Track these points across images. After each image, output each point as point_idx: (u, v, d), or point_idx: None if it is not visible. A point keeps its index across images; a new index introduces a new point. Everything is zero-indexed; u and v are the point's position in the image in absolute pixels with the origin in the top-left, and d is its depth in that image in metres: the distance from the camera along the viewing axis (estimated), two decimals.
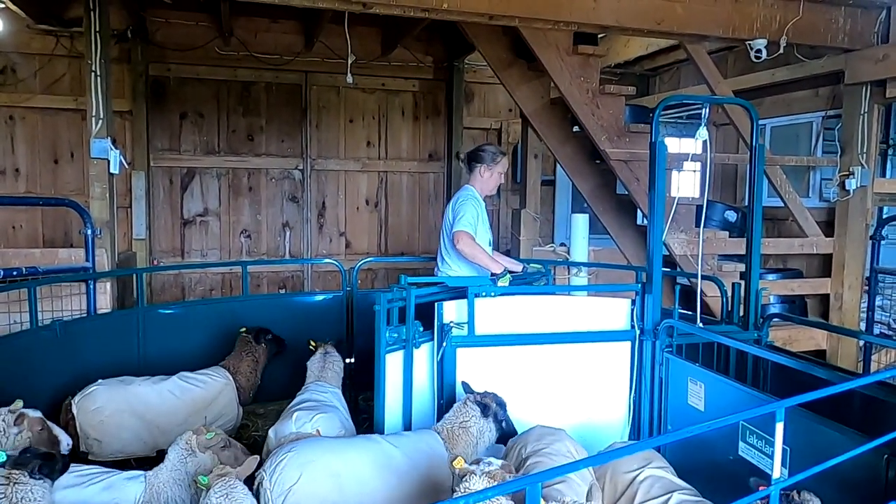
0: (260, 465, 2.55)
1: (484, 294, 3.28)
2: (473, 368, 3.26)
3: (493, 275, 3.79)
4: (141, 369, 4.05)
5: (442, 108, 7.77)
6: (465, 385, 3.06)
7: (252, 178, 7.26)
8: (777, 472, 1.62)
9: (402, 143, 7.69)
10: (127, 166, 5.84)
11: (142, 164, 6.74)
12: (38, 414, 2.86)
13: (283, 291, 7.27)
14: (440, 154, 7.81)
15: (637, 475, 2.47)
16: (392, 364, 3.22)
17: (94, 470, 2.69)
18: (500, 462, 2.04)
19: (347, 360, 4.97)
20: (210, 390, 3.72)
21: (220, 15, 6.32)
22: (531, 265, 4.32)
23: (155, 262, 6.89)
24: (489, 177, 4.06)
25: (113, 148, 4.57)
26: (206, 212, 7.15)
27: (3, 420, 2.78)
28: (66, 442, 2.89)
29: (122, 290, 5.18)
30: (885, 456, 2.00)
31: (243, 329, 4.16)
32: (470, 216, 3.85)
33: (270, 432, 3.01)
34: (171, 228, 7.06)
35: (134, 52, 6.62)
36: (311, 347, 3.91)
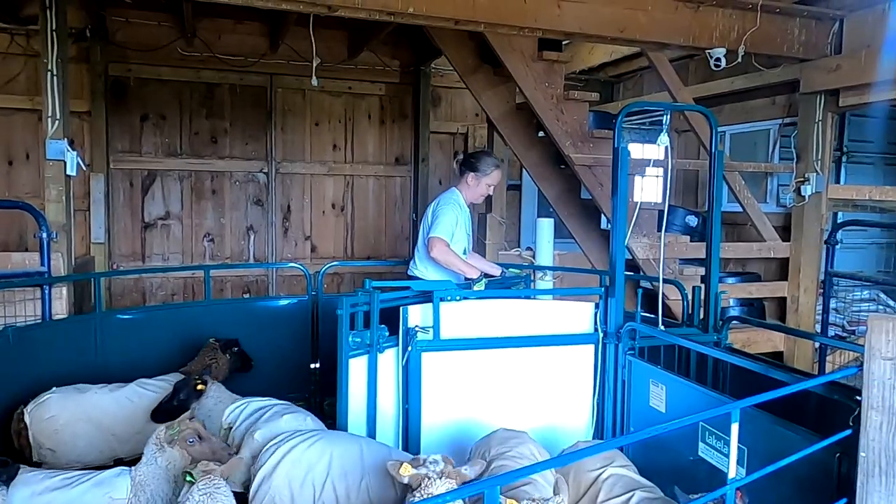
0: None
1: (449, 298, 3.28)
2: (439, 373, 3.27)
3: (467, 279, 3.79)
4: (99, 377, 3.94)
5: (409, 112, 7.77)
6: None
7: (215, 180, 7.14)
8: (733, 471, 1.65)
9: (368, 146, 7.66)
10: (85, 168, 5.69)
11: (101, 166, 6.58)
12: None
13: (247, 296, 7.17)
14: (407, 158, 7.81)
15: (600, 474, 2.50)
16: (356, 369, 3.20)
17: (74, 473, 2.72)
18: (440, 456, 2.07)
19: (312, 365, 4.97)
20: None
21: (182, 15, 6.22)
22: (511, 269, 4.34)
23: (114, 267, 6.74)
24: (475, 185, 4.05)
25: (70, 149, 4.45)
26: (168, 215, 7.01)
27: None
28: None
29: (80, 296, 5.05)
30: (837, 454, 2.05)
31: (213, 339, 4.10)
32: (447, 222, 3.84)
33: (257, 435, 2.94)
34: (131, 232, 6.90)
35: (93, 52, 6.46)
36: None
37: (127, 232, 6.89)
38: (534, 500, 1.97)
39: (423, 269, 4.04)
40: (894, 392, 1.73)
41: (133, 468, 2.74)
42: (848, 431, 1.93)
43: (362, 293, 3.20)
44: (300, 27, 5.96)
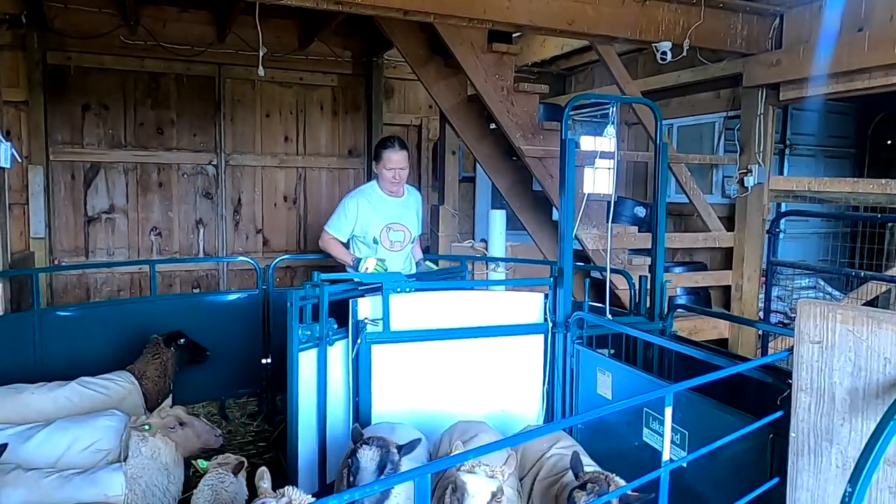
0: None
1: (399, 290, 3.27)
2: (389, 365, 3.26)
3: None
4: (38, 376, 3.82)
5: (361, 103, 7.70)
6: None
7: (162, 173, 6.96)
8: (667, 453, 1.69)
9: (320, 138, 7.57)
10: (21, 160, 5.46)
11: (40, 158, 6.33)
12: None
13: (196, 291, 7.02)
14: (360, 150, 7.75)
15: (545, 453, 2.55)
16: (305, 362, 3.17)
17: (67, 471, 2.71)
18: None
19: (263, 360, 4.90)
20: (113, 396, 3.55)
21: (124, 2, 6.03)
22: (427, 262, 4.34)
23: (56, 263, 6.51)
24: (380, 173, 3.98)
25: (4, 140, 4.27)
26: (113, 209, 6.80)
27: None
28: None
29: (19, 293, 4.88)
30: (770, 435, 2.13)
31: (155, 335, 4.00)
32: (336, 213, 4.00)
33: None
34: (73, 226, 6.68)
35: (29, 39, 6.19)
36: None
37: (69, 226, 6.66)
38: (480, 466, 2.00)
39: None
40: (822, 374, 1.80)
41: (124, 463, 2.75)
42: (779, 413, 2.00)
43: (311, 286, 3.17)
44: (248, 16, 5.83)
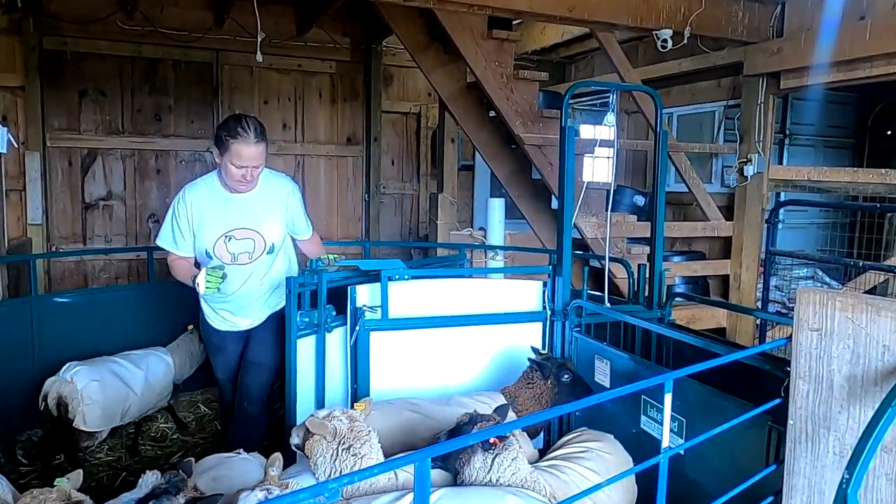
0: None
1: (398, 277, 3.26)
2: (387, 352, 3.25)
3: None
4: (36, 361, 3.83)
5: (360, 91, 7.66)
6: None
7: (160, 160, 6.93)
8: (666, 440, 1.69)
9: (319, 126, 7.54)
10: (17, 146, 5.45)
11: (36, 144, 6.30)
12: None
13: None
14: (359, 138, 7.72)
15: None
16: (304, 349, 3.16)
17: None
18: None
19: None
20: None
21: None
22: (329, 256, 3.25)
23: (53, 249, 6.49)
24: (224, 167, 2.98)
25: (1, 125, 4.24)
26: (110, 195, 6.78)
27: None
28: None
29: (16, 279, 4.86)
30: (769, 423, 2.13)
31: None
32: (166, 222, 3.16)
33: None
34: (70, 213, 6.66)
35: (25, 23, 6.14)
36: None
37: (66, 213, 6.64)
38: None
39: None
40: (820, 361, 1.80)
41: None
42: (778, 400, 2.00)
43: (309, 272, 3.16)
44: (246, 1, 5.79)
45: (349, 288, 3.19)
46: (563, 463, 2.44)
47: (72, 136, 6.56)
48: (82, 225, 6.71)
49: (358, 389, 3.22)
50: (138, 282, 6.70)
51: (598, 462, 2.46)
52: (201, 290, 2.96)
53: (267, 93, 7.28)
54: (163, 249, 3.31)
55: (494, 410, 2.45)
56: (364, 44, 7.47)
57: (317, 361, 3.23)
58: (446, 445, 1.21)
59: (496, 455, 2.10)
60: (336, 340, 3.28)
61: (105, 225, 6.78)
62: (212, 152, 3.06)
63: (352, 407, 2.46)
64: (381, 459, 2.23)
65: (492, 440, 2.08)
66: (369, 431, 2.27)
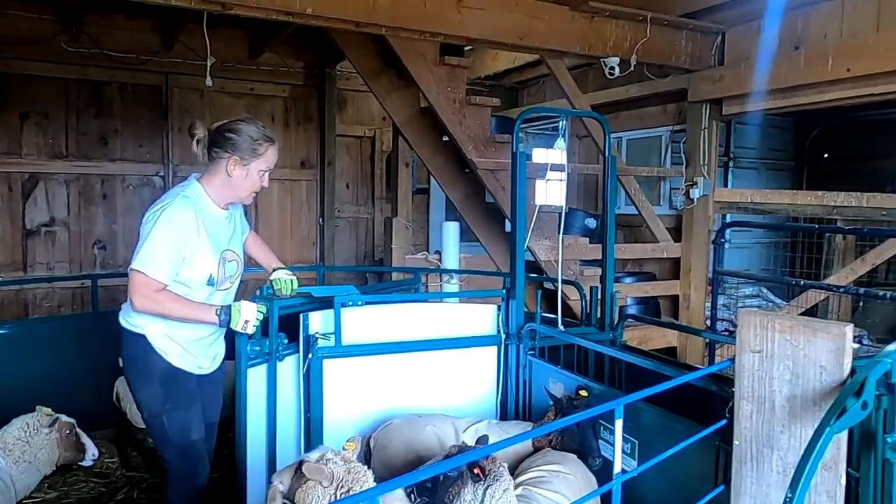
0: None
1: (351, 304, 3.23)
2: (341, 379, 3.21)
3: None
4: None
5: (314, 115, 7.64)
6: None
7: (106, 184, 6.75)
8: (618, 465, 1.71)
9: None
10: None
11: None
12: (71, 420, 3.14)
13: None
14: (313, 162, 7.67)
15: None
16: (254, 379, 3.09)
17: None
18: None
19: None
20: None
21: (65, 8, 5.85)
22: (284, 281, 3.03)
23: None
24: (242, 177, 2.63)
25: None
26: (53, 221, 6.56)
27: (38, 420, 3.05)
28: (91, 452, 3.19)
29: None
30: (717, 443, 2.17)
31: None
32: (160, 241, 2.43)
33: None
34: (10, 240, 6.40)
35: None
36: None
37: (6, 239, 6.39)
38: None
39: (133, 320, 2.58)
40: (762, 382, 1.85)
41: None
42: (724, 421, 2.04)
43: (260, 300, 3.10)
44: (196, 24, 5.73)
45: (301, 315, 3.15)
46: (533, 488, 2.43)
47: (12, 159, 6.34)
48: (23, 252, 6.46)
49: (311, 418, 3.16)
50: (83, 310, 6.47)
51: (565, 484, 2.46)
52: (250, 328, 2.62)
53: (219, 116, 6.98)
54: (153, 279, 2.45)
55: (476, 441, 2.43)
56: (318, 68, 7.47)
57: (268, 391, 3.15)
58: (407, 479, 1.18)
59: (487, 487, 2.06)
60: (288, 369, 3.22)
61: (48, 252, 6.55)
62: (225, 165, 2.59)
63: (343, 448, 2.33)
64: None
65: (476, 470, 2.04)
66: (366, 472, 2.16)
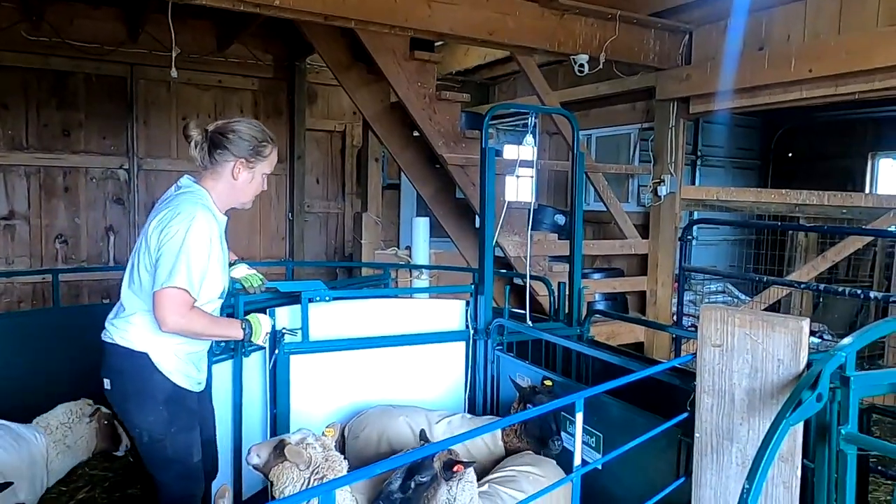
0: None
1: (318, 299, 3.21)
2: (309, 375, 3.19)
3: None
4: None
5: (284, 108, 7.55)
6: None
7: (69, 177, 6.59)
8: (578, 458, 1.73)
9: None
10: None
11: None
12: (109, 412, 3.24)
13: (106, 301, 6.67)
14: (282, 156, 7.54)
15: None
16: (220, 375, 3.05)
17: None
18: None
19: None
20: None
21: None
22: (252, 277, 2.93)
23: None
24: (248, 181, 2.50)
25: None
26: (13, 215, 6.38)
27: (81, 409, 3.25)
28: (125, 443, 3.33)
29: None
30: (679, 436, 2.21)
31: None
32: (191, 254, 2.29)
33: None
34: None
35: None
36: None
37: None
38: None
39: (134, 338, 2.37)
40: (723, 376, 1.88)
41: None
42: (685, 414, 2.08)
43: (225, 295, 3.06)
44: (162, 15, 5.61)
45: (268, 310, 3.11)
46: (499, 486, 2.44)
47: None
48: None
49: (277, 414, 3.13)
50: (43, 306, 6.31)
51: (534, 486, 2.43)
52: (262, 339, 2.60)
53: (186, 109, 7.06)
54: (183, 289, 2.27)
55: (421, 440, 2.43)
56: (287, 61, 7.38)
57: (234, 387, 3.12)
58: (376, 468, 1.15)
59: (458, 482, 2.06)
60: (254, 364, 3.19)
61: (7, 246, 6.37)
62: (231, 169, 2.45)
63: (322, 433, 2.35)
64: (348, 490, 2.18)
65: (456, 468, 2.02)
66: (342, 461, 2.19)
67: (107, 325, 2.45)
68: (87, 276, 6.60)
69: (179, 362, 2.43)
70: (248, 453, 2.22)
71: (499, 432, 2.86)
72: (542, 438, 2.71)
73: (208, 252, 2.36)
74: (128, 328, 2.37)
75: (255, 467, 2.19)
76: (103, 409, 3.26)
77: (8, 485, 2.61)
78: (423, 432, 2.45)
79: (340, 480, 1.10)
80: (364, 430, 3.01)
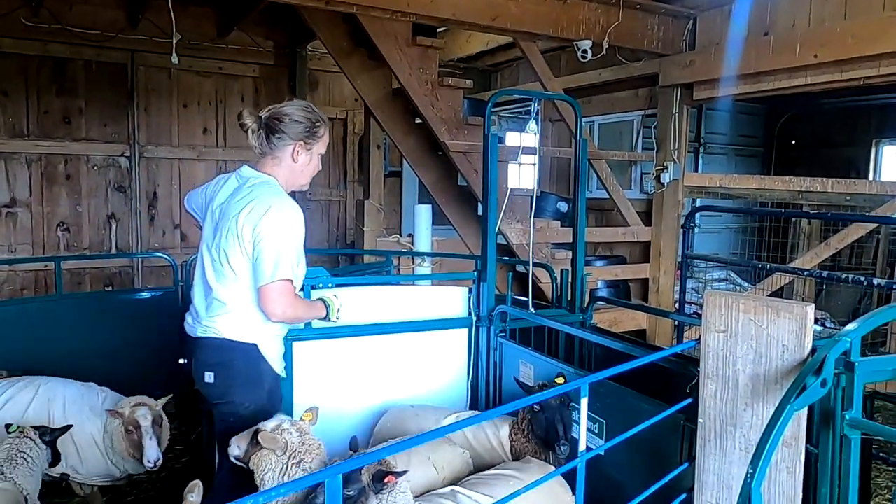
0: None
1: (321, 285, 3.20)
2: (311, 362, 3.18)
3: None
4: None
5: (285, 95, 7.47)
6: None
7: (70, 164, 6.58)
8: (583, 443, 1.73)
9: (241, 130, 7.32)
10: None
11: None
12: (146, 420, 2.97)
13: (108, 289, 6.69)
14: None
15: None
16: None
17: None
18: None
19: (181, 361, 4.71)
20: None
21: None
22: None
23: None
24: (306, 163, 2.57)
25: None
26: (14, 202, 6.38)
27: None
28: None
29: None
30: (682, 422, 2.21)
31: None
32: (291, 242, 2.41)
33: None
34: None
35: None
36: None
37: None
38: None
39: (245, 331, 2.48)
40: (726, 362, 1.87)
41: None
42: (689, 400, 2.07)
43: None
44: (162, 1, 5.57)
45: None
46: (461, 489, 2.29)
47: None
48: None
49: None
50: (46, 294, 6.33)
51: (506, 490, 2.25)
52: (336, 316, 2.73)
53: (187, 96, 7.04)
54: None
55: (350, 447, 2.34)
56: (288, 48, 7.34)
57: None
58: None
59: (389, 493, 1.98)
60: None
61: (9, 234, 6.37)
62: (291, 152, 2.51)
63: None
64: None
65: (387, 479, 1.95)
66: (320, 445, 2.21)
67: (203, 321, 2.49)
68: (89, 264, 6.61)
69: (280, 348, 2.60)
70: (230, 446, 2.26)
71: (507, 431, 2.76)
72: (547, 441, 2.61)
73: (302, 240, 2.46)
74: (234, 321, 2.44)
75: (237, 458, 2.22)
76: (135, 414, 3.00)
77: (68, 428, 2.81)
78: (353, 441, 2.34)
79: (338, 467, 1.08)
80: (384, 432, 3.00)
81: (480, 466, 2.67)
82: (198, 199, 2.78)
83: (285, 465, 2.10)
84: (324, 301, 2.70)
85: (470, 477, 2.47)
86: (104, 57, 6.57)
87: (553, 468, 2.45)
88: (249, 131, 2.50)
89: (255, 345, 2.47)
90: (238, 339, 2.45)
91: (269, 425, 2.17)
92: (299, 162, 2.53)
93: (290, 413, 3.08)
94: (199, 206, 2.77)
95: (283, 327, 2.59)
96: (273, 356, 2.56)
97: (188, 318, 2.60)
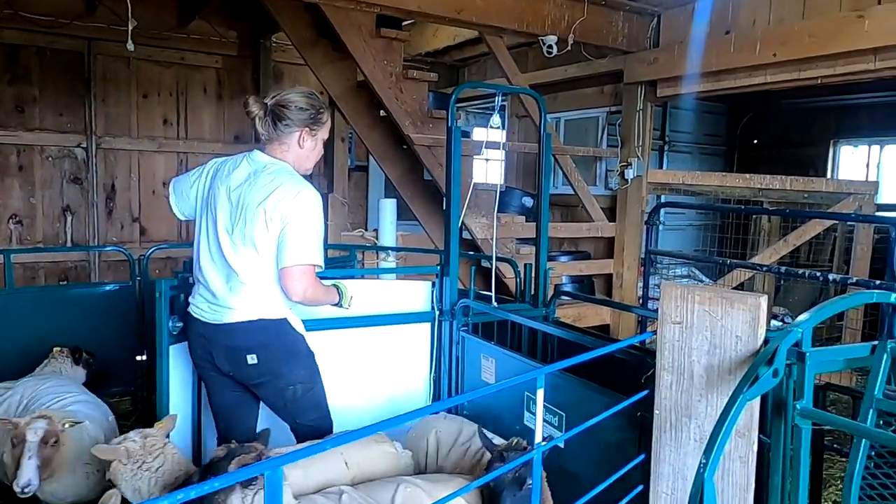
0: None
1: None
2: None
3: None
4: None
5: (249, 87, 7.38)
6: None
7: (23, 155, 6.36)
8: (539, 435, 1.72)
9: (204, 122, 7.19)
10: None
11: None
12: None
13: (63, 283, 6.50)
14: (247, 137, 7.42)
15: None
16: (177, 357, 2.98)
17: None
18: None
19: (138, 357, 4.61)
20: None
21: None
22: None
23: None
24: (311, 148, 2.63)
25: None
26: None
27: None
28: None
29: None
30: (639, 414, 2.21)
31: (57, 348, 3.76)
32: (318, 228, 2.49)
33: None
34: None
35: None
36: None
37: None
38: None
39: (273, 309, 2.57)
40: (682, 353, 1.88)
41: None
42: (645, 392, 2.08)
43: (182, 275, 2.98)
44: None
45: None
46: (350, 489, 2.23)
47: None
48: None
49: None
50: None
51: (390, 494, 2.22)
52: (348, 303, 2.81)
53: (147, 86, 6.86)
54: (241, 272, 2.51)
55: (259, 433, 2.28)
56: (252, 39, 7.22)
57: (192, 369, 3.05)
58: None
59: (257, 492, 1.92)
60: None
61: None
62: (297, 138, 2.55)
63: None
64: (179, 468, 2.29)
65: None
66: (164, 444, 2.31)
67: (227, 304, 2.53)
68: (44, 258, 6.41)
69: (301, 323, 2.71)
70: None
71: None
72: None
73: (324, 223, 2.57)
74: (261, 301, 2.53)
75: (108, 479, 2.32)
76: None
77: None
78: (265, 432, 2.33)
79: (282, 458, 1.04)
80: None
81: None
82: (189, 184, 2.73)
83: (134, 471, 2.23)
84: (337, 287, 2.77)
85: (391, 478, 2.41)
86: (59, 44, 6.38)
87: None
88: (256, 118, 2.53)
89: (284, 319, 2.59)
90: (271, 318, 2.56)
91: (114, 440, 2.31)
92: (305, 147, 2.60)
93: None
94: (190, 191, 2.72)
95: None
96: (300, 329, 2.69)
97: (201, 305, 2.61)
